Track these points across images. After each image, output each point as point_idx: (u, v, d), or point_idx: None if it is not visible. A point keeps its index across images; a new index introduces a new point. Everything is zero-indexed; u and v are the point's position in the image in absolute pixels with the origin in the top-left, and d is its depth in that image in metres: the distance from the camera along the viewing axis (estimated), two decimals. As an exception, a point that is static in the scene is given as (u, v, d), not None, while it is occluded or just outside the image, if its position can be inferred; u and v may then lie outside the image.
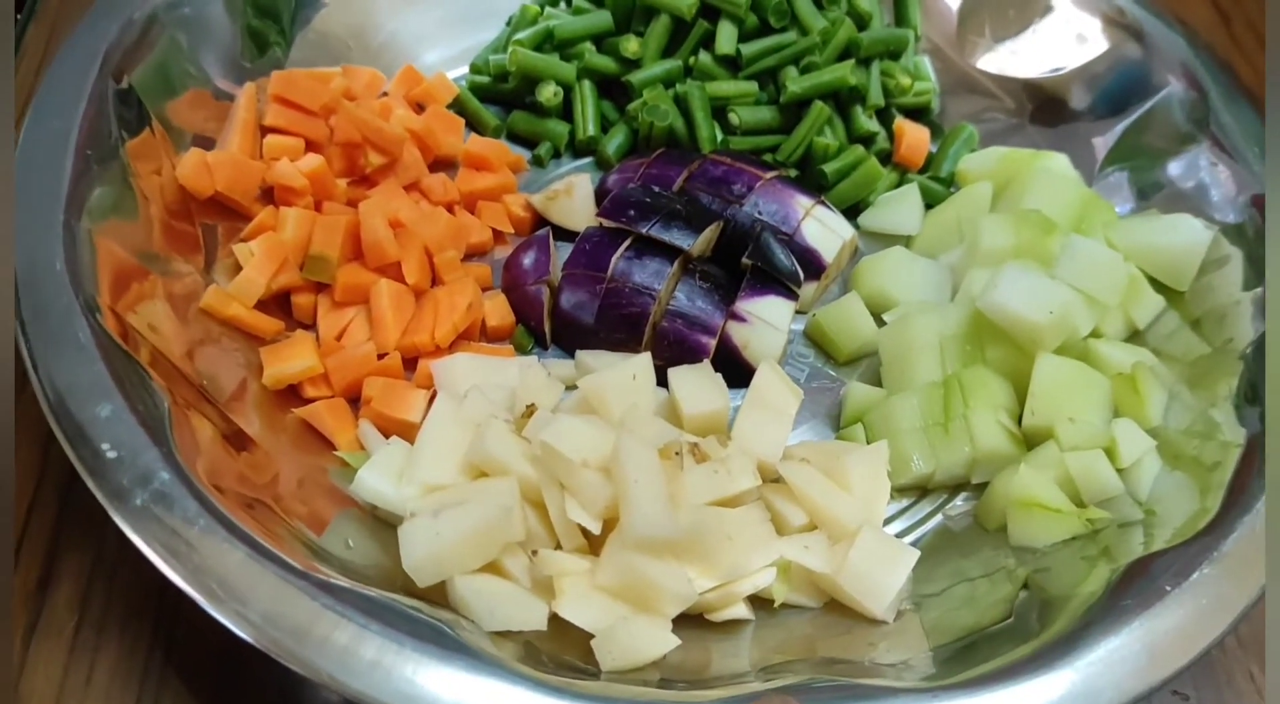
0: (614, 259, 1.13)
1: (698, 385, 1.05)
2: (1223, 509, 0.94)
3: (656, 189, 1.20)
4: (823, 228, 1.21)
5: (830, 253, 1.21)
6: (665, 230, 1.14)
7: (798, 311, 1.21)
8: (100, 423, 0.84)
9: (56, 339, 0.87)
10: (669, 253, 1.14)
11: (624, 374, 1.02)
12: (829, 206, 1.24)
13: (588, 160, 1.34)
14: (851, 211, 1.32)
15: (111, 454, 0.83)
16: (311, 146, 1.21)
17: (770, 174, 1.23)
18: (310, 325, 1.13)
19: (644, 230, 1.14)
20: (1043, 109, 1.35)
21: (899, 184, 1.35)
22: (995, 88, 1.38)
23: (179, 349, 0.99)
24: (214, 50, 1.20)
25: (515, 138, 1.35)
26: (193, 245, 1.11)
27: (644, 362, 1.04)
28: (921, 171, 1.35)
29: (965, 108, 1.41)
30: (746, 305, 1.13)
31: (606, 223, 1.16)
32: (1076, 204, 1.21)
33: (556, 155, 1.34)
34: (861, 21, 1.37)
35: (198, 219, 1.12)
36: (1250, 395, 1.03)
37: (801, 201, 1.22)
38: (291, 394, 1.07)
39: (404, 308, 1.12)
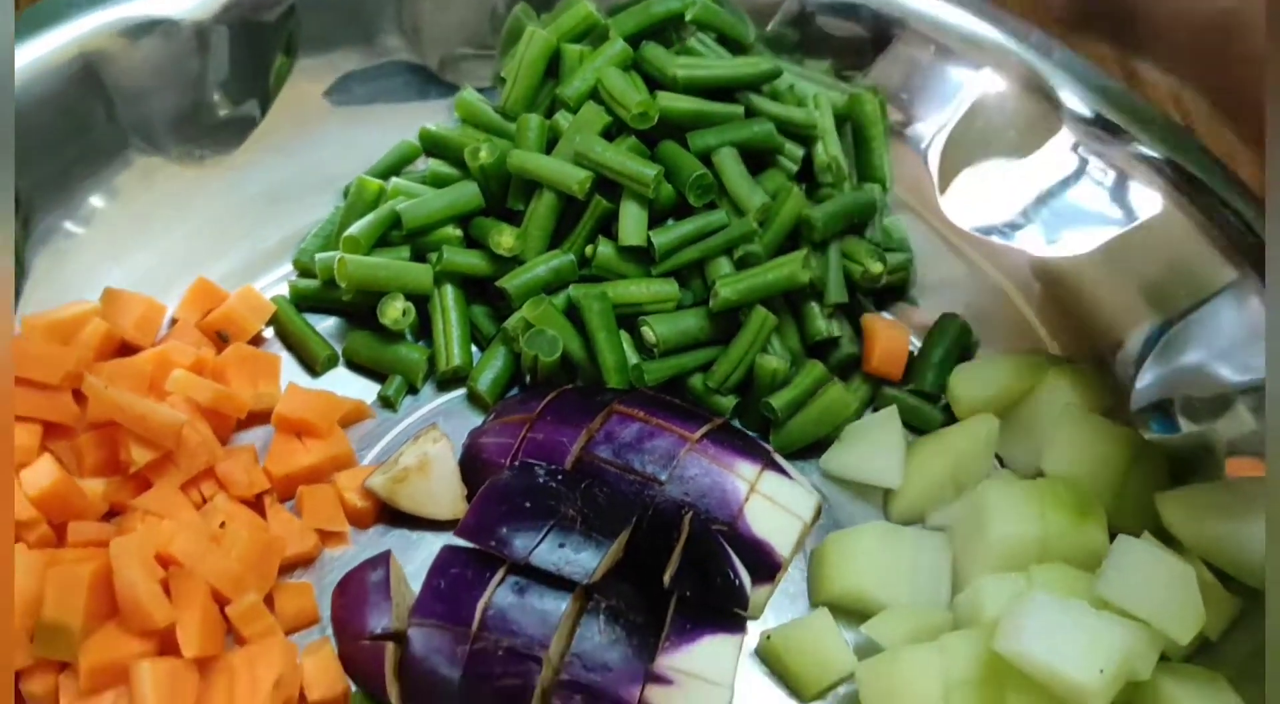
0: (481, 603, 0.79)
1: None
2: None
3: (542, 474, 0.87)
4: (774, 508, 0.88)
5: (786, 544, 0.88)
6: (555, 554, 0.81)
7: (747, 617, 0.88)
8: None
9: None
10: (561, 583, 0.80)
11: None
12: (780, 468, 0.91)
13: (457, 393, 1.00)
14: (814, 443, 0.98)
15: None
16: (54, 431, 0.86)
17: (699, 431, 0.90)
18: (51, 720, 0.79)
19: (522, 558, 0.80)
20: (1054, 295, 1.02)
21: (872, 400, 1.02)
22: (990, 259, 1.05)
23: None
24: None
25: (357, 366, 1.00)
26: None
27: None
28: (902, 381, 1.02)
29: (948, 272, 1.08)
30: (673, 660, 0.80)
31: (471, 543, 0.82)
32: (1117, 459, 0.90)
33: (412, 391, 0.99)
34: (818, 180, 1.04)
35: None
36: None
37: (743, 471, 0.89)
38: None
39: (181, 695, 0.77)
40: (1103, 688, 0.75)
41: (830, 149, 1.04)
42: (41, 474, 0.81)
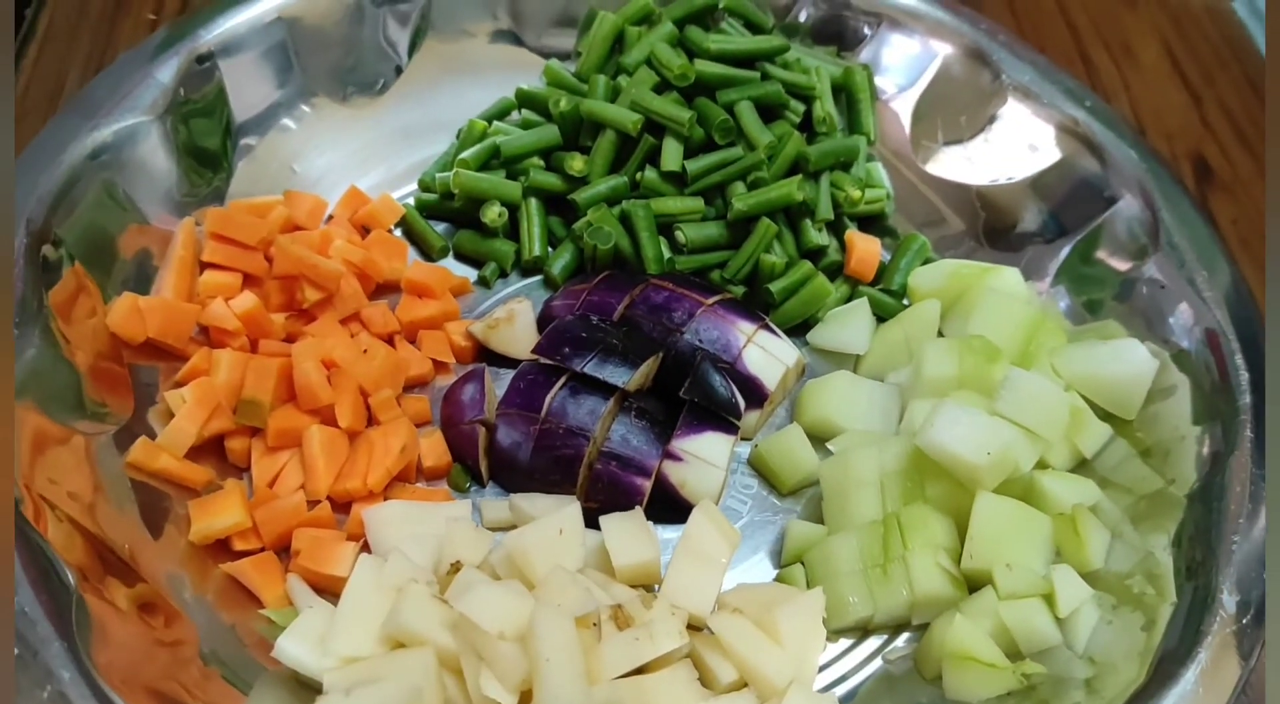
0: (548, 398, 1.12)
1: (628, 536, 1.04)
2: (1150, 679, 0.92)
3: (595, 319, 1.19)
4: (765, 354, 1.20)
5: (772, 381, 1.19)
6: (600, 367, 1.12)
7: (742, 438, 1.20)
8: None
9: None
10: (605, 389, 1.13)
11: (550, 530, 1.01)
12: (773, 330, 1.22)
13: (535, 279, 1.33)
14: (803, 327, 1.30)
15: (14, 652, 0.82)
16: (250, 281, 1.21)
17: (712, 299, 1.22)
18: (245, 468, 1.13)
19: (579, 368, 1.12)
20: (994, 218, 1.33)
21: (851, 297, 1.33)
22: (948, 195, 1.36)
23: (100, 514, 0.99)
24: (150, 187, 1.20)
25: (462, 257, 1.34)
26: (125, 390, 1.11)
27: (572, 514, 1.03)
28: (874, 283, 1.33)
29: (919, 214, 1.39)
30: (683, 444, 1.12)
31: (542, 359, 1.15)
32: (1024, 327, 1.19)
33: (503, 275, 1.33)
34: (815, 130, 1.36)
35: (131, 362, 1.13)
36: (1190, 561, 1.01)
37: (743, 328, 1.20)
38: (221, 546, 1.07)
39: (336, 453, 1.11)
40: (990, 468, 1.04)
41: (825, 106, 1.36)
42: (244, 300, 1.15)
